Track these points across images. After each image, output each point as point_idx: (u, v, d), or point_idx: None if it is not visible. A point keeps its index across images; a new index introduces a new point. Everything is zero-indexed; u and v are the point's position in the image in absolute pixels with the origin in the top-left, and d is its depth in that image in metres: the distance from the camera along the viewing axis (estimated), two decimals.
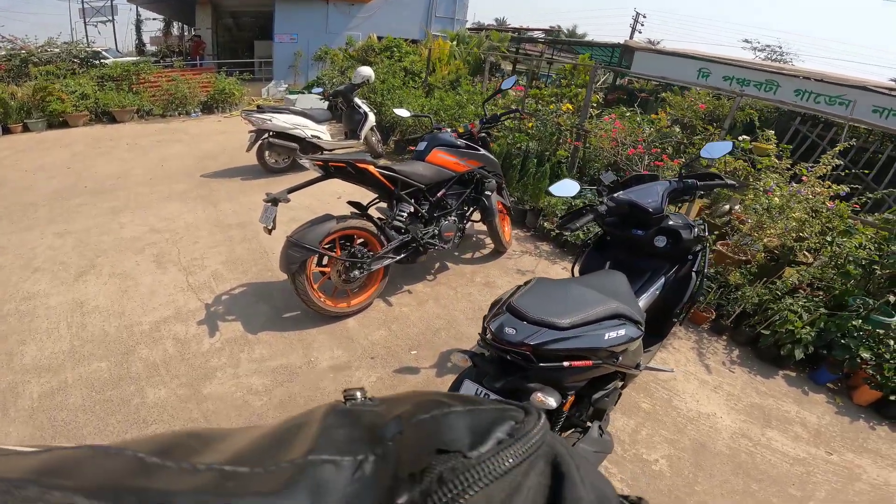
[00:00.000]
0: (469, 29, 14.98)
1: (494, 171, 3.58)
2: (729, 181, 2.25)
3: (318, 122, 5.79)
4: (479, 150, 3.48)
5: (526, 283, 1.80)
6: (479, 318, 3.31)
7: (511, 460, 0.29)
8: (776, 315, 3.00)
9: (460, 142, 3.41)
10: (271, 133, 5.43)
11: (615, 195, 2.24)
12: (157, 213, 4.50)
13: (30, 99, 7.64)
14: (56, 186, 5.11)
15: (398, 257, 3.13)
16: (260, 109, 5.42)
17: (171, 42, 19.85)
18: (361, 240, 3.01)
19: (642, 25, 26.96)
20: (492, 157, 3.58)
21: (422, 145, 3.33)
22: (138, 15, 19.66)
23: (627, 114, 5.74)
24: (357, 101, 6.12)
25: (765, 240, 3.45)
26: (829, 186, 3.34)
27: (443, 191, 3.31)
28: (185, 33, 19.08)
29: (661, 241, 2.22)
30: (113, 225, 4.22)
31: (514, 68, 11.77)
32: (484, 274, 3.77)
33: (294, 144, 5.53)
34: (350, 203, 3.10)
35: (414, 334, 3.04)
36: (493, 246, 4.09)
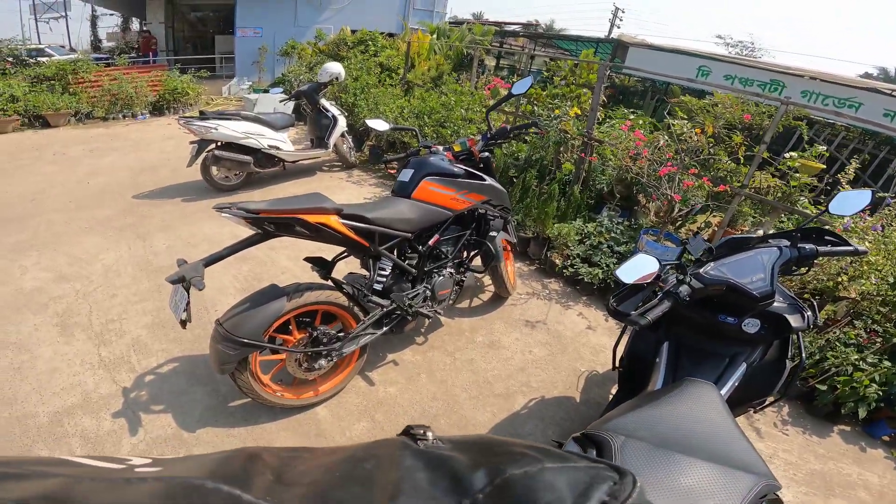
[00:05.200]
0: (449, 22, 14.14)
1: (502, 206, 2.74)
2: (860, 248, 1.57)
3: (277, 128, 4.90)
4: (484, 180, 2.61)
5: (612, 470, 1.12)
6: (485, 395, 2.50)
7: None
8: (834, 368, 2.49)
9: (457, 168, 2.53)
10: (218, 144, 4.53)
11: (703, 272, 1.57)
12: (69, 251, 3.57)
13: None
14: None
15: (378, 332, 2.31)
16: (203, 116, 4.49)
17: (129, 38, 18.45)
18: (325, 311, 2.19)
19: (621, 20, 26.34)
20: (499, 186, 2.72)
21: (406, 175, 2.43)
22: (93, 10, 18.15)
23: (631, 116, 5.06)
24: (324, 102, 5.27)
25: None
26: None
27: (435, 237, 2.46)
28: (130, 30, 17.73)
29: (752, 327, 1.62)
30: (13, 270, 3.28)
31: (497, 64, 11.01)
32: (486, 330, 3.00)
33: (247, 157, 4.64)
34: (308, 260, 2.24)
35: (405, 424, 2.27)
36: (492, 288, 3.33)
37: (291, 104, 6.54)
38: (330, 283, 2.19)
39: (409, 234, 2.30)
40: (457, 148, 2.72)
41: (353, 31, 9.41)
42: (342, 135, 5.37)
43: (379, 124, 2.88)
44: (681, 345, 1.80)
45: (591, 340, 3.00)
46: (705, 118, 3.96)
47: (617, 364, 2.18)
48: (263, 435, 2.16)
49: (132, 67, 9.15)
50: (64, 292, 3.06)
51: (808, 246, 1.56)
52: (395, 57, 7.84)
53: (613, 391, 2.61)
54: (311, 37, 10.48)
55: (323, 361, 2.15)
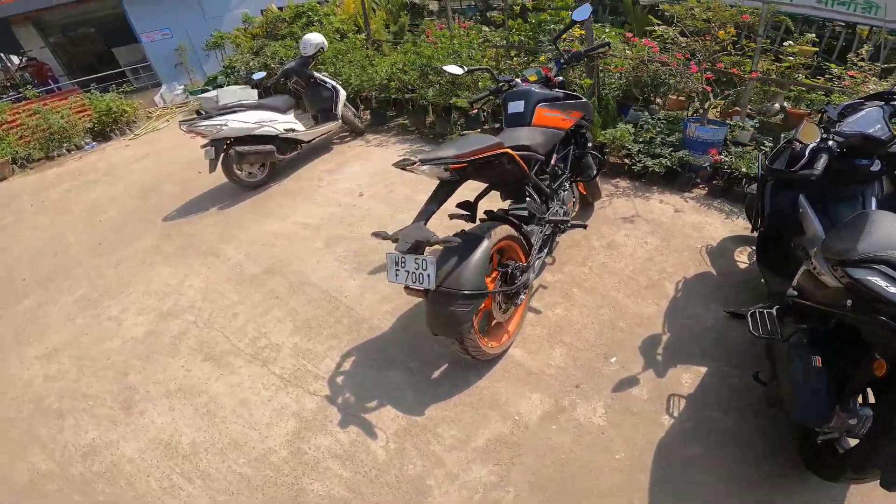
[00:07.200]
0: None
1: (589, 119, 2.95)
2: None
3: (284, 111, 4.65)
4: (580, 98, 2.81)
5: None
6: (638, 289, 2.68)
7: None
8: None
9: (558, 91, 2.70)
10: (231, 140, 4.21)
11: (839, 129, 1.99)
12: (148, 288, 3.33)
13: None
14: None
15: (543, 255, 2.51)
16: (204, 115, 4.17)
17: (10, 75, 16.02)
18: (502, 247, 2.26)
19: None
20: (588, 102, 2.91)
21: (517, 106, 2.55)
22: None
23: (606, 30, 5.20)
24: (318, 75, 5.03)
25: None
26: None
27: (555, 156, 2.66)
28: (12, 63, 15.40)
29: (875, 166, 2.03)
30: (106, 324, 3.05)
31: (440, 5, 10.71)
32: (596, 235, 3.18)
33: (268, 146, 4.38)
34: (459, 206, 2.41)
35: (593, 338, 2.43)
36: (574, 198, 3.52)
37: (254, 91, 6.20)
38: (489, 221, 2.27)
39: (542, 157, 2.47)
40: (532, 78, 2.83)
41: (280, 8, 8.77)
42: (345, 104, 5.15)
43: (454, 69, 2.91)
44: (816, 194, 2.15)
45: (687, 221, 3.24)
46: (700, 24, 4.15)
47: (758, 225, 2.43)
48: (483, 393, 2.19)
49: (44, 98, 8.09)
50: (182, 329, 2.90)
51: None
52: (346, 21, 7.46)
53: (738, 257, 2.88)
54: (231, 24, 9.63)
55: (522, 296, 2.25)
